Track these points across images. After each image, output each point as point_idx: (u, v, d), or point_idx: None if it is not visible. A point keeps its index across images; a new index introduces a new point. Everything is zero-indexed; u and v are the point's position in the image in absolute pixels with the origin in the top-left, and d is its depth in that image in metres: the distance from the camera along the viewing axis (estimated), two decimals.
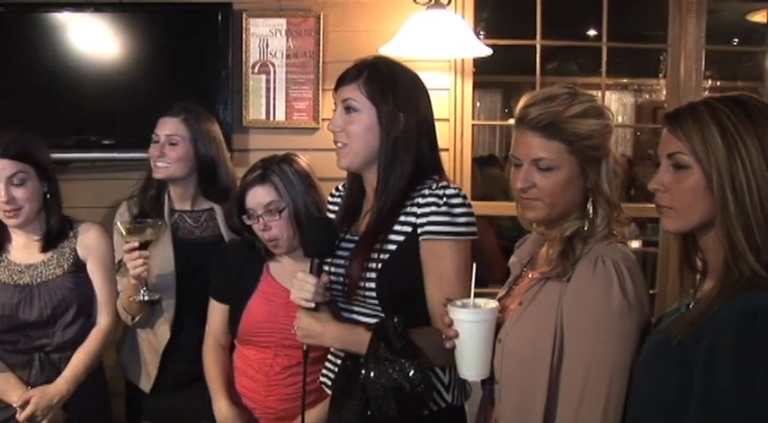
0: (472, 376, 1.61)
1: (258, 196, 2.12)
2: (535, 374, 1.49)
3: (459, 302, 1.57)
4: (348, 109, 1.79)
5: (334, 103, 1.84)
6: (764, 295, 1.24)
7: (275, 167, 2.15)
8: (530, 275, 1.64)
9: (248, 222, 2.16)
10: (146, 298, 2.25)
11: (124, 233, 2.19)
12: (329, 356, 1.93)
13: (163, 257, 2.37)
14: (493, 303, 1.57)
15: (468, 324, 1.54)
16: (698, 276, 1.47)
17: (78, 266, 2.37)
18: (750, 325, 1.21)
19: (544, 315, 1.51)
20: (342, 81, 1.82)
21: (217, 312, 2.28)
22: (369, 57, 1.85)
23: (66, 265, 2.35)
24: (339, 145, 1.81)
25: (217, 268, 2.29)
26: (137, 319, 2.36)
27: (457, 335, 1.54)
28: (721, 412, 1.22)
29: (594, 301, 1.45)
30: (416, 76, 1.86)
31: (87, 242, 2.40)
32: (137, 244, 2.17)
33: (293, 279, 1.77)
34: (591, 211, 1.56)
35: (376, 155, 1.78)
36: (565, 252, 1.53)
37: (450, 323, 1.55)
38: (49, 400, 2.24)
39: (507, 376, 1.55)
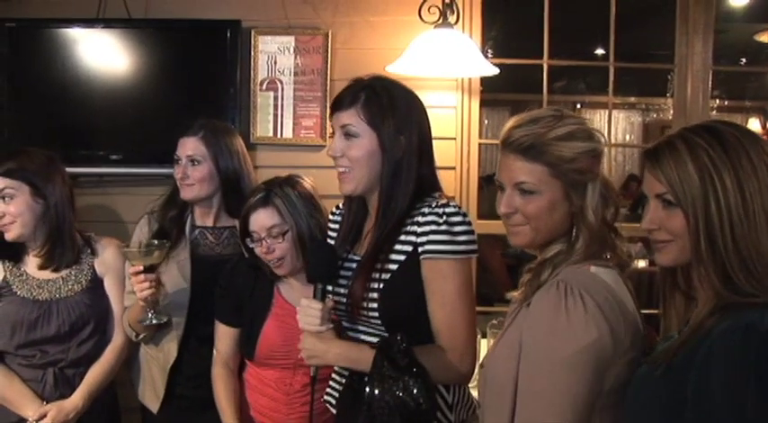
0: None
1: (261, 219, 2.09)
2: (503, 401, 1.45)
3: None
4: (347, 135, 1.76)
5: (332, 128, 1.81)
6: (753, 313, 1.23)
7: (278, 190, 2.12)
8: None
9: (251, 245, 2.13)
10: (153, 322, 2.22)
11: (128, 257, 2.17)
12: (333, 375, 1.91)
13: (180, 274, 2.33)
14: None
15: None
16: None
17: (96, 283, 2.39)
18: (740, 342, 1.20)
19: (512, 342, 1.47)
20: (339, 106, 1.78)
21: (226, 337, 2.24)
22: (364, 77, 1.81)
23: (84, 282, 2.37)
24: (341, 170, 1.78)
25: (224, 292, 2.24)
26: (141, 335, 2.34)
27: None
28: None
29: (539, 329, 1.41)
30: (413, 94, 1.83)
31: (106, 259, 2.42)
32: (141, 268, 2.15)
33: (298, 306, 1.76)
34: (573, 235, 1.51)
35: (379, 178, 1.76)
36: (533, 277, 1.51)
37: None
38: (65, 415, 2.25)
39: (485, 402, 1.55)
